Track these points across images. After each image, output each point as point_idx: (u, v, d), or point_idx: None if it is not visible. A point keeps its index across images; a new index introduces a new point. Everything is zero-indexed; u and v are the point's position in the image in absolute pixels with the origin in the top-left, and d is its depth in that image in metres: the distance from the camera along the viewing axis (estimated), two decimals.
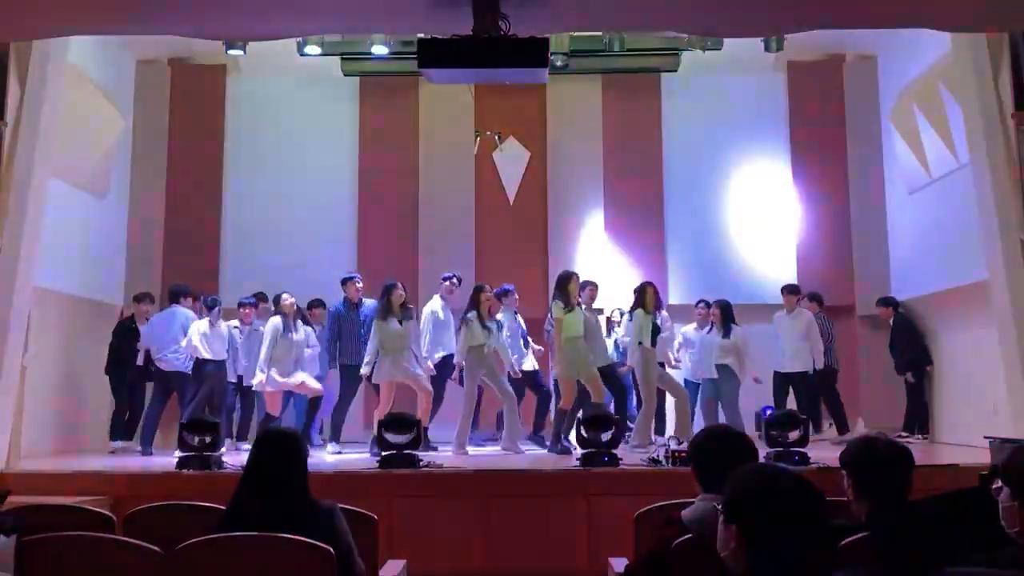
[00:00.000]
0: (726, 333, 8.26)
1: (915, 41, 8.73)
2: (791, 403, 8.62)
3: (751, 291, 9.45)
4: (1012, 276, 6.85)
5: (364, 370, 7.85)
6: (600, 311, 8.95)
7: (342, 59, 10.05)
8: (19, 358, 6.93)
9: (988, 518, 2.43)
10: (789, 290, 8.94)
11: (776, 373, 8.80)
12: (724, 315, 8.33)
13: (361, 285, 8.45)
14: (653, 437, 8.07)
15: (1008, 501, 2.36)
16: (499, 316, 8.28)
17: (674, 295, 9.74)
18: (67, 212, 8.22)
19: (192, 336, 7.98)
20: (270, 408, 8.13)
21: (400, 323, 7.78)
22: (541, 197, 10.21)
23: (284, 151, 10.12)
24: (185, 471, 6.26)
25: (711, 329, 8.37)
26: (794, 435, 6.37)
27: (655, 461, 6.44)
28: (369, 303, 8.36)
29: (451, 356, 8.20)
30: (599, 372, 7.79)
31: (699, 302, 8.93)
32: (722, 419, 8.02)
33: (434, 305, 8.35)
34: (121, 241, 9.69)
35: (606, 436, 6.43)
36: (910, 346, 8.95)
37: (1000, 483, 2.44)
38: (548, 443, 7.87)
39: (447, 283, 8.46)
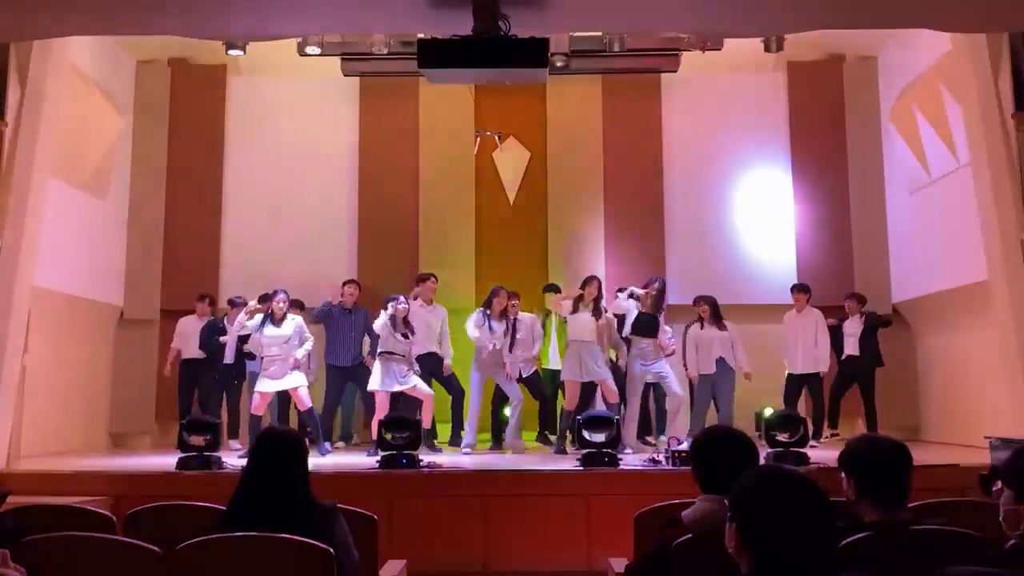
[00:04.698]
0: (721, 326, 8.25)
1: (915, 41, 8.73)
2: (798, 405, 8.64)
3: (751, 291, 9.44)
4: (1012, 276, 6.84)
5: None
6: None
7: (342, 59, 10.04)
8: (19, 358, 6.93)
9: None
10: (800, 289, 8.88)
11: (790, 375, 8.76)
12: (714, 310, 8.31)
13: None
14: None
15: (1011, 504, 2.35)
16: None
17: (674, 295, 9.72)
18: (67, 212, 8.22)
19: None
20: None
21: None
22: (541, 197, 10.21)
23: (284, 151, 10.11)
24: (185, 471, 6.26)
25: (703, 325, 8.35)
26: (794, 435, 6.38)
27: (655, 461, 6.46)
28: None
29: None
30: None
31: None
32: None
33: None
34: (121, 241, 9.68)
35: (606, 436, 6.44)
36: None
37: (1001, 485, 2.43)
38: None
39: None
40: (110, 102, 9.18)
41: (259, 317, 7.80)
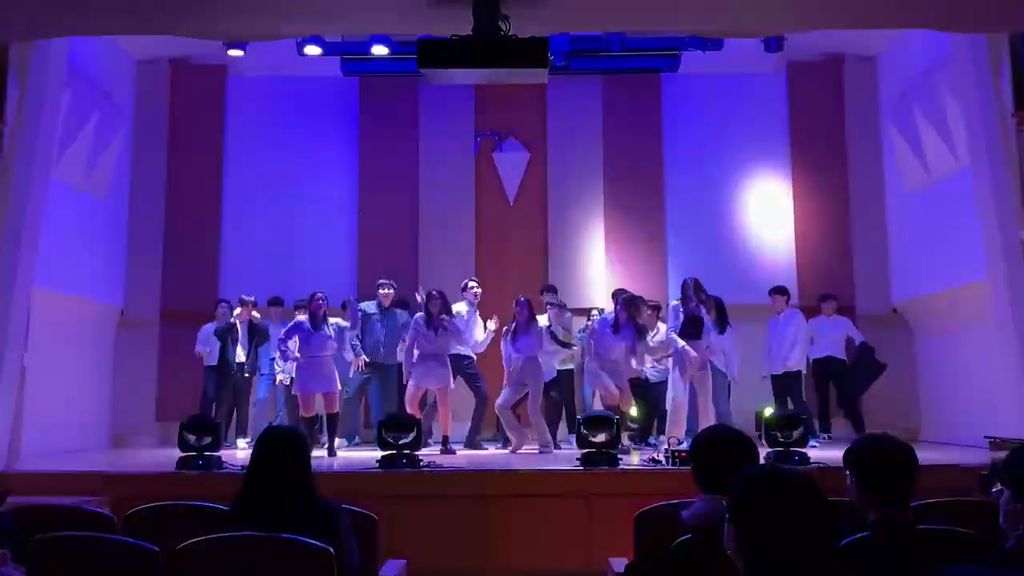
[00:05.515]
0: (721, 330, 8.23)
1: (915, 41, 8.73)
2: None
3: (751, 291, 9.43)
4: (1012, 276, 6.84)
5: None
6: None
7: (342, 59, 10.06)
8: (19, 358, 6.93)
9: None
10: (776, 291, 8.93)
11: (772, 376, 8.76)
12: (720, 312, 8.29)
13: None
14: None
15: (1010, 504, 2.35)
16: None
17: (674, 295, 9.71)
18: (67, 212, 8.22)
19: None
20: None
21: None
22: (541, 197, 10.22)
23: (284, 151, 10.13)
24: (185, 471, 6.26)
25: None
26: (794, 435, 6.37)
27: (655, 461, 6.45)
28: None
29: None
30: None
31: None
32: (709, 417, 7.98)
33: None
34: (121, 241, 9.69)
35: (606, 436, 6.43)
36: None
37: (1000, 485, 2.43)
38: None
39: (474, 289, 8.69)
40: (110, 102, 9.17)
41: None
